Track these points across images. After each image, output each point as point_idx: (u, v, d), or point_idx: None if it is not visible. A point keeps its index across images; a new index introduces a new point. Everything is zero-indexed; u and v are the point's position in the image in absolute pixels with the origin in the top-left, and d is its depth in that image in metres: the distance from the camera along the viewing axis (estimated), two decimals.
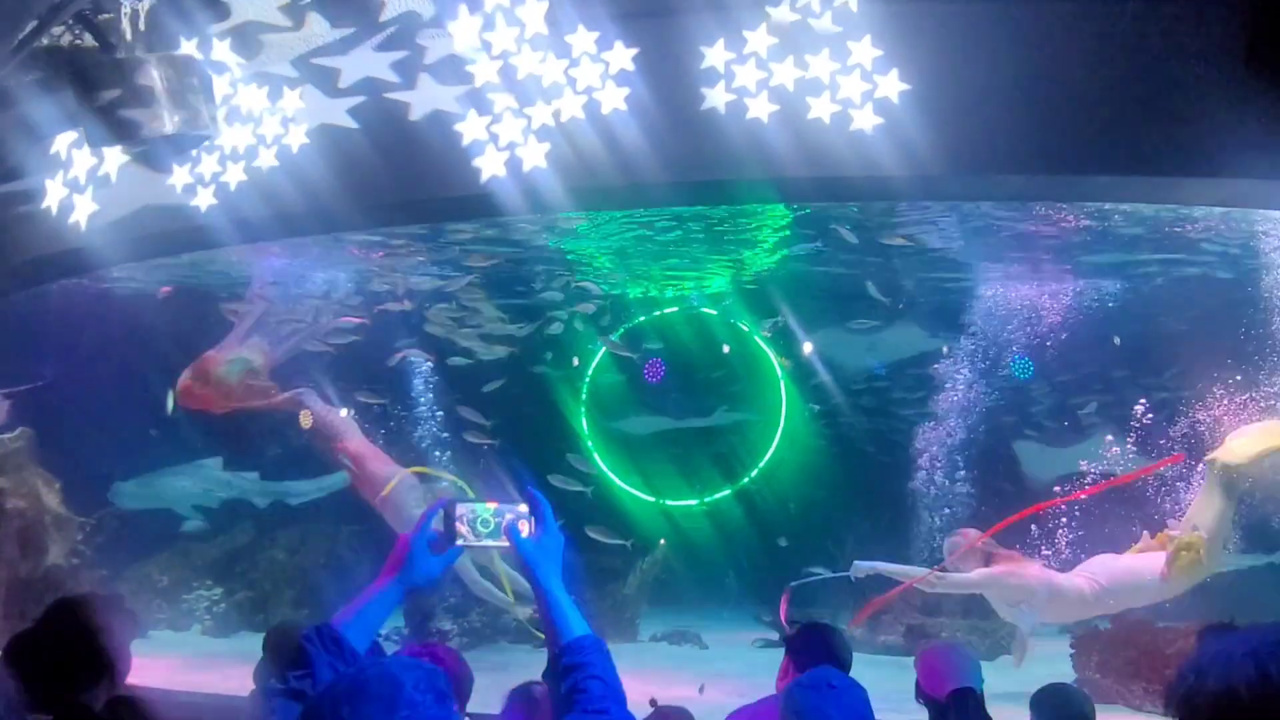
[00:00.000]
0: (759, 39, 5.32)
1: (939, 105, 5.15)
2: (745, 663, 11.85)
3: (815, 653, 4.40)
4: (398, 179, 6.07)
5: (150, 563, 14.29)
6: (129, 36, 5.05)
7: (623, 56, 5.44)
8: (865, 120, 5.20)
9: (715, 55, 5.37)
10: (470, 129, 5.70)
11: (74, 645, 3.10)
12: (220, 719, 6.93)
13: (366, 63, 5.85)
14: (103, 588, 11.74)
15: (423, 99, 5.81)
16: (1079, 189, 6.26)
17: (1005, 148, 5.24)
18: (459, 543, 2.62)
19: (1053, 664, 10.12)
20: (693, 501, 15.60)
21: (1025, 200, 8.99)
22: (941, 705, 4.16)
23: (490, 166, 5.70)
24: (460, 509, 2.62)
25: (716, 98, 5.37)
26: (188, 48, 5.43)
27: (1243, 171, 4.99)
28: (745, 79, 5.34)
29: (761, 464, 15.68)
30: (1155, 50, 4.98)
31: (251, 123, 6.09)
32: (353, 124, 5.96)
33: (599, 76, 5.48)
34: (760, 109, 5.33)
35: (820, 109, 5.26)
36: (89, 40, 5.25)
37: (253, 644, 4.98)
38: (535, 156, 5.62)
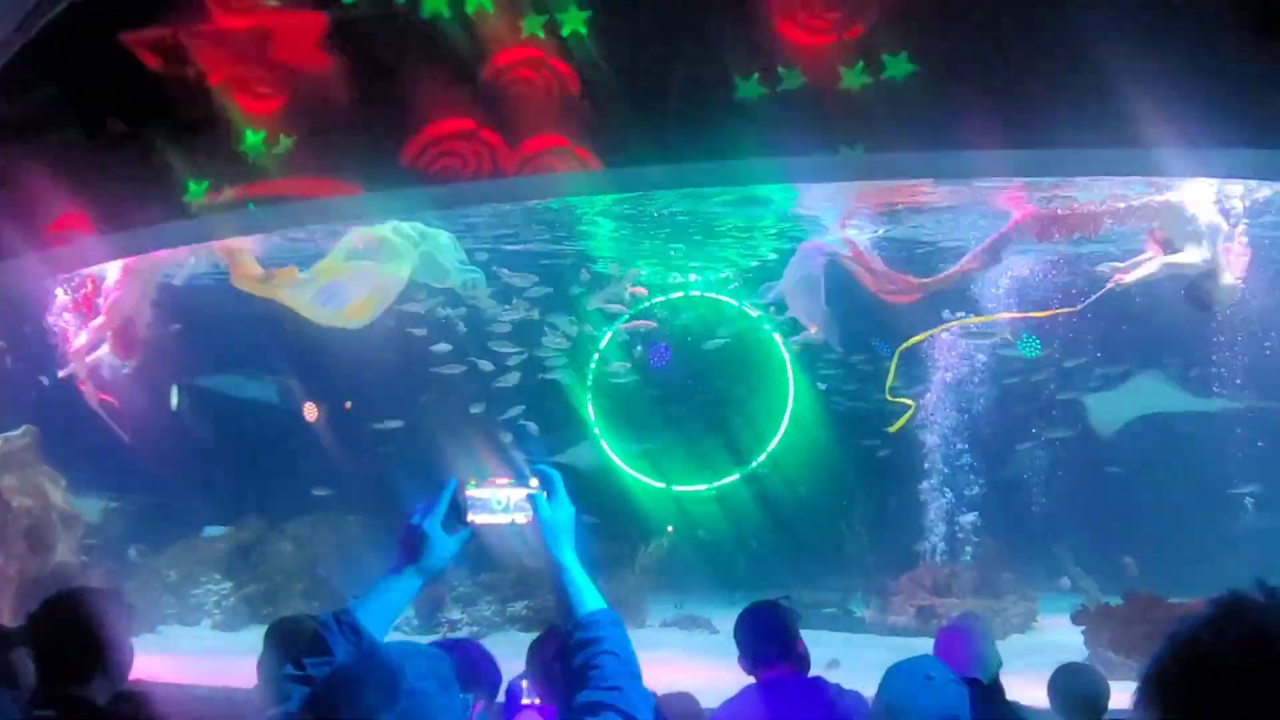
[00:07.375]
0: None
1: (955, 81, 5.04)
2: None
3: (757, 634, 4.37)
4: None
5: (159, 557, 14.27)
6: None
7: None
8: (875, 97, 5.09)
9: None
10: None
11: (68, 639, 3.07)
12: (230, 712, 6.89)
13: None
14: (110, 583, 11.73)
15: None
16: (1101, 164, 6.10)
17: (1028, 123, 5.10)
18: (478, 521, 2.58)
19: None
20: (702, 486, 15.48)
21: (1058, 176, 8.77)
22: None
23: None
24: (474, 488, 2.58)
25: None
26: None
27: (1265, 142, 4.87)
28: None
29: (771, 447, 15.55)
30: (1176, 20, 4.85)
31: None
32: None
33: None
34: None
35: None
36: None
37: (262, 637, 4.92)
38: None
